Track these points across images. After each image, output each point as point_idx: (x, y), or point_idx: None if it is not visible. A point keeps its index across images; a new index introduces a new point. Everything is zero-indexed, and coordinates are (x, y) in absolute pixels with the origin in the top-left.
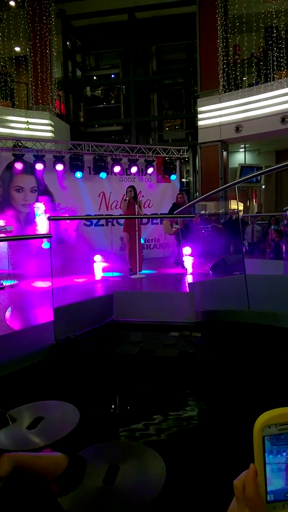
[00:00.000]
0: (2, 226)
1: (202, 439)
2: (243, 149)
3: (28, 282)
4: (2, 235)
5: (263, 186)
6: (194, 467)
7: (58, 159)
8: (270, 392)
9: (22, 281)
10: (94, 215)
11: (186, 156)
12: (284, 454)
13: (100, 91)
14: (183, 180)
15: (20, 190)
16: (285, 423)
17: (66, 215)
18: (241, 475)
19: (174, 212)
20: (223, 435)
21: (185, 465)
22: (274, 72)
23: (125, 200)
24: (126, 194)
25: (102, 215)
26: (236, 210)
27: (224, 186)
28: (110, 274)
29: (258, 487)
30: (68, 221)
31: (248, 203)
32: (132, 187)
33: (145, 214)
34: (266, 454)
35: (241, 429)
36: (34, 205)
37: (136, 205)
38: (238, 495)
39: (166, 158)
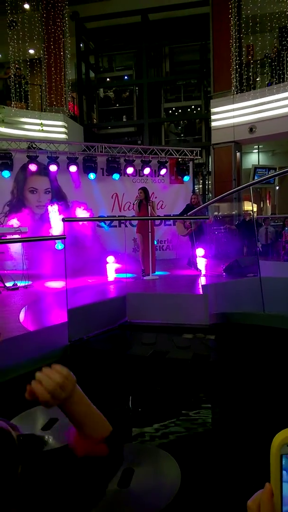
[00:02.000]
0: (17, 227)
1: (217, 444)
2: (257, 150)
3: (42, 283)
4: (17, 236)
5: (277, 187)
6: (209, 472)
7: (72, 160)
8: (285, 396)
9: (36, 281)
10: (107, 217)
11: (199, 157)
12: None
13: (112, 93)
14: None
15: (34, 192)
16: None
17: (82, 208)
18: (255, 495)
19: (188, 214)
20: (238, 440)
21: (200, 469)
22: None
23: (135, 201)
24: (138, 195)
25: (115, 216)
26: (250, 212)
27: (240, 187)
28: (123, 275)
29: (274, 508)
30: (82, 222)
31: (261, 205)
32: (144, 188)
33: (158, 215)
34: (285, 471)
35: (256, 435)
36: (48, 206)
37: (149, 207)
38: None
39: (179, 159)
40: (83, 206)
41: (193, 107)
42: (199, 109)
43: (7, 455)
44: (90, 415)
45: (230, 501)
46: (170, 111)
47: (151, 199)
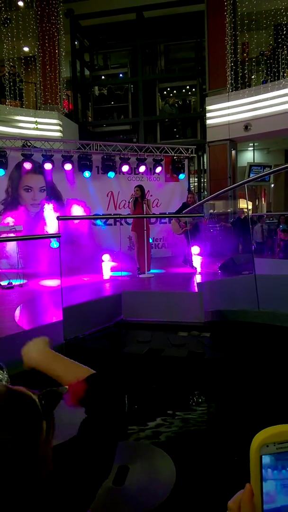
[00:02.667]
0: (12, 226)
1: (212, 441)
2: (252, 148)
3: (37, 282)
4: (12, 234)
5: (272, 185)
6: (204, 469)
7: (67, 158)
8: (279, 393)
9: (31, 280)
10: (102, 215)
11: (194, 155)
12: None
13: (106, 90)
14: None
15: (29, 190)
16: (284, 442)
17: (80, 206)
18: (236, 495)
19: (183, 212)
20: (232, 436)
21: (195, 467)
22: (283, 70)
23: (130, 200)
24: (134, 193)
25: (111, 214)
26: (244, 209)
27: (234, 185)
28: (118, 273)
29: (254, 508)
30: (78, 220)
31: (257, 202)
32: (140, 186)
33: (153, 214)
34: (270, 469)
35: (250, 432)
36: (43, 205)
37: (144, 205)
38: None
39: (175, 157)
40: (81, 204)
41: (187, 87)
42: (193, 89)
43: (32, 419)
44: (62, 366)
45: (224, 498)
46: (165, 92)
47: (146, 197)
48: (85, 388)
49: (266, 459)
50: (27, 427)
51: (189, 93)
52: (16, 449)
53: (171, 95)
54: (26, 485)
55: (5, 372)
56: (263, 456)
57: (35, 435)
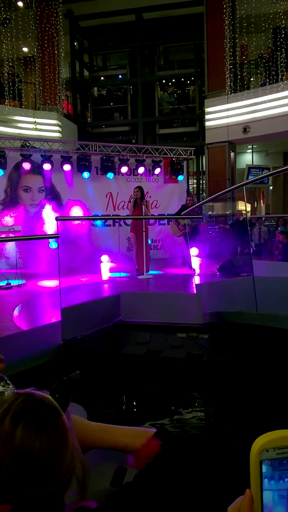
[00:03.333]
0: (10, 226)
1: (210, 442)
2: (251, 150)
3: (36, 282)
4: (11, 235)
5: (271, 187)
6: (201, 472)
7: (66, 159)
8: (278, 395)
9: (30, 280)
10: (101, 216)
11: (193, 156)
12: (287, 480)
13: (105, 91)
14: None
15: (28, 190)
16: (284, 447)
17: (75, 205)
18: (236, 501)
19: (182, 213)
20: (231, 439)
21: (192, 469)
22: (282, 73)
23: (130, 201)
24: (134, 194)
25: (109, 215)
26: (243, 211)
27: (233, 187)
28: (117, 274)
29: None
30: (77, 221)
31: (255, 204)
32: (140, 187)
33: (152, 215)
34: (267, 480)
35: (249, 434)
36: (42, 205)
37: (143, 206)
38: None
39: (174, 159)
40: (80, 205)
41: (185, 78)
42: (192, 78)
43: (56, 422)
44: (107, 437)
45: (223, 499)
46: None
47: (145, 199)
48: (158, 445)
49: (263, 469)
50: (53, 426)
51: (188, 87)
52: (52, 450)
53: (170, 85)
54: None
55: (8, 381)
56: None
57: (62, 432)
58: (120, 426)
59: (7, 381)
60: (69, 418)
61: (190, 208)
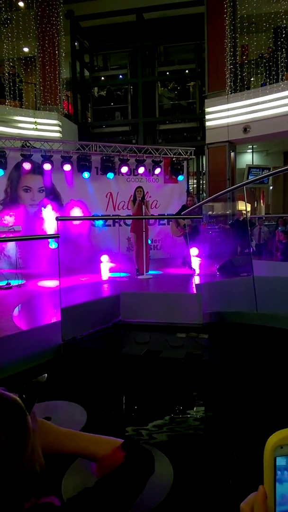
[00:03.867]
0: (10, 226)
1: (210, 442)
2: (251, 150)
3: (36, 282)
4: (10, 235)
5: (271, 187)
6: (201, 471)
7: (66, 159)
8: (278, 395)
9: (30, 280)
10: (102, 216)
11: (193, 156)
12: None
13: (105, 92)
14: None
15: (28, 190)
16: None
17: (75, 205)
18: (249, 497)
19: (182, 213)
20: (230, 439)
21: (192, 468)
22: (282, 73)
23: (136, 200)
24: (136, 194)
25: (110, 215)
26: (243, 211)
27: (233, 187)
28: (117, 274)
29: (267, 510)
30: (77, 221)
31: (255, 204)
32: (142, 187)
33: (152, 215)
34: (287, 471)
35: (249, 434)
36: (42, 205)
37: (143, 206)
38: None
39: (174, 159)
40: (80, 205)
41: (187, 71)
42: (191, 71)
43: (17, 416)
44: (75, 442)
45: (222, 499)
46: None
47: (145, 199)
48: (122, 456)
49: (281, 461)
50: (15, 425)
51: (189, 83)
52: (10, 447)
53: (169, 82)
54: (20, 482)
55: None
56: (278, 458)
57: (24, 431)
58: (89, 433)
59: None
60: (34, 420)
61: (190, 209)
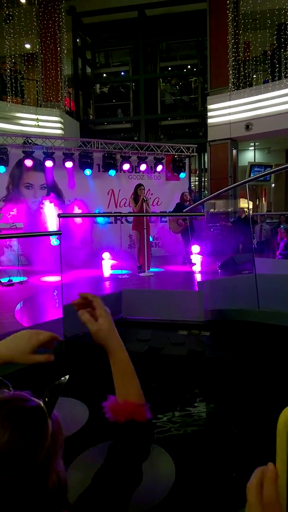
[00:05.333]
0: (12, 223)
1: (211, 439)
2: (253, 147)
3: (38, 279)
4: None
5: (273, 185)
6: (203, 467)
7: (68, 156)
8: (280, 392)
9: (32, 277)
10: (103, 213)
11: (195, 154)
12: None
13: (107, 89)
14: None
15: (30, 187)
16: None
17: (76, 206)
18: (255, 475)
19: (184, 210)
20: (232, 435)
21: (194, 465)
22: (285, 70)
23: (139, 198)
24: (138, 192)
25: (111, 212)
26: (244, 209)
27: (235, 184)
28: (118, 271)
29: (278, 491)
30: (79, 218)
31: (257, 202)
32: (143, 185)
33: (152, 212)
34: None
35: (251, 431)
36: (43, 202)
37: (144, 203)
38: (252, 499)
39: (175, 156)
40: (81, 202)
41: (188, 66)
42: (194, 68)
43: (37, 418)
44: (128, 374)
45: (223, 496)
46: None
47: (146, 196)
48: (145, 417)
49: None
50: (33, 427)
51: (191, 78)
52: (23, 448)
53: (172, 80)
54: (30, 491)
55: (11, 388)
56: None
57: (41, 436)
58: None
59: (10, 388)
60: (56, 424)
61: (192, 206)
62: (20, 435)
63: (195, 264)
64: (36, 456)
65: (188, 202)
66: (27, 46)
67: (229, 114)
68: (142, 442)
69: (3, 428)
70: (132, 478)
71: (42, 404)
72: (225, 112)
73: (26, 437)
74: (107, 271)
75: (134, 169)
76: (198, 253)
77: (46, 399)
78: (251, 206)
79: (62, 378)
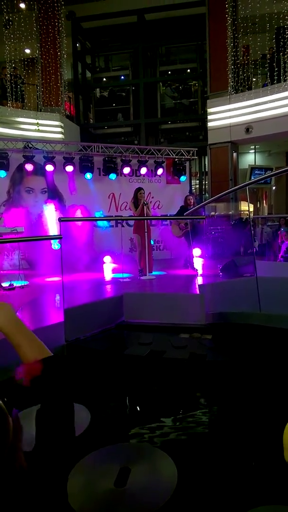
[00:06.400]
0: (13, 227)
1: (214, 443)
2: (253, 150)
3: (39, 283)
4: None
5: (274, 188)
6: (205, 471)
7: (68, 160)
8: (282, 396)
9: (33, 281)
10: (104, 217)
11: (195, 157)
12: None
13: (107, 93)
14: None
15: (31, 191)
16: None
17: (78, 206)
18: None
19: (185, 213)
20: (234, 439)
21: (196, 468)
22: (285, 73)
23: (139, 202)
24: (138, 196)
25: (112, 216)
26: (246, 212)
27: (236, 187)
28: (120, 275)
29: None
30: (80, 222)
31: (258, 205)
32: (143, 189)
33: (153, 216)
34: None
35: (253, 434)
36: (44, 206)
37: (145, 207)
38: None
39: (176, 159)
40: (82, 206)
41: (188, 70)
42: (193, 72)
43: (3, 424)
44: (25, 335)
45: (226, 500)
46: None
47: (146, 200)
48: (40, 369)
49: None
50: None
51: (191, 82)
52: None
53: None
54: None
55: None
56: None
57: (2, 432)
58: (33, 334)
59: None
60: (16, 421)
61: (192, 209)
62: None
63: (197, 269)
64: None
65: (191, 206)
66: (27, 51)
67: (229, 117)
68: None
69: None
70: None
71: (1, 403)
72: (225, 115)
73: None
74: (108, 274)
75: (135, 172)
76: (199, 256)
77: (5, 399)
78: (252, 209)
79: (20, 379)
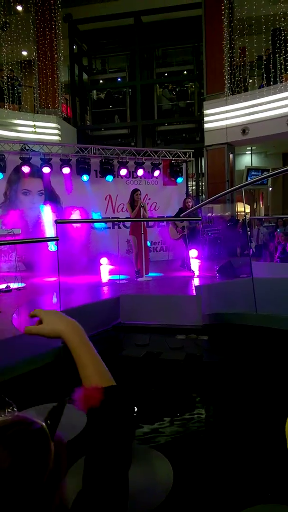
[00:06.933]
0: (10, 229)
1: (210, 443)
2: (250, 152)
3: (35, 285)
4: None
5: (270, 189)
6: (201, 472)
7: (65, 162)
8: (278, 396)
9: (29, 283)
10: (100, 219)
11: (192, 159)
12: None
13: (103, 95)
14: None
15: (27, 193)
16: None
17: (74, 208)
18: None
19: (181, 215)
20: (230, 439)
21: (192, 469)
22: (281, 75)
23: (136, 204)
24: (135, 198)
25: (109, 218)
26: (242, 213)
27: (232, 188)
28: (116, 276)
29: None
30: (76, 224)
31: (255, 206)
32: (139, 190)
33: (149, 217)
34: None
35: (249, 435)
36: (41, 208)
37: (142, 209)
38: None
39: (173, 161)
40: (79, 208)
41: (185, 72)
42: (189, 73)
43: (37, 440)
44: (92, 358)
45: (222, 500)
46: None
47: (143, 201)
48: (100, 399)
49: None
50: (35, 451)
51: (187, 84)
52: (16, 469)
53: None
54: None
55: (14, 408)
56: None
57: (43, 459)
58: (99, 357)
59: (14, 407)
60: (59, 446)
61: (188, 211)
62: (21, 460)
63: (193, 271)
64: (38, 481)
65: (190, 209)
66: (24, 53)
67: (226, 119)
68: (125, 411)
69: (5, 454)
70: (123, 458)
71: (44, 426)
72: (221, 117)
73: (27, 462)
74: (105, 276)
75: (132, 174)
76: (196, 257)
77: (48, 421)
78: (248, 210)
79: (65, 398)
